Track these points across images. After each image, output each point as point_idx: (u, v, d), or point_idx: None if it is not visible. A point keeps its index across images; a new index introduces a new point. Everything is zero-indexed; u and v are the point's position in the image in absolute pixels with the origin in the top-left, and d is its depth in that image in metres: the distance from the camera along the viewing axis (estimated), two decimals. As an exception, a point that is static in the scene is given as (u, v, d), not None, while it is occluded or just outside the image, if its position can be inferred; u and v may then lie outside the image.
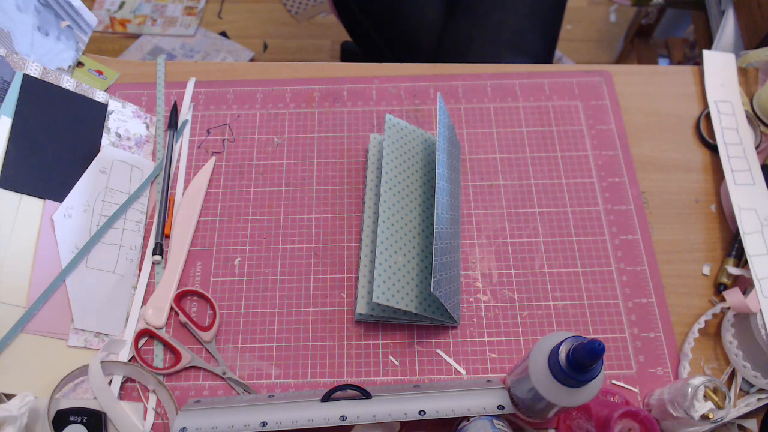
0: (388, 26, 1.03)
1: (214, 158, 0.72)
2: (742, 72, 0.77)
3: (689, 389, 0.52)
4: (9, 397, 0.56)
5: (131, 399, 0.59)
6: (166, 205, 0.67)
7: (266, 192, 0.70)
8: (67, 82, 0.69)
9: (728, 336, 0.61)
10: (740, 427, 0.59)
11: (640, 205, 0.69)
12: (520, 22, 0.95)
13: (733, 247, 0.65)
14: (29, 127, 0.64)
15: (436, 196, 0.59)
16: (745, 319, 0.60)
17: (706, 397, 0.52)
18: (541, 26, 0.98)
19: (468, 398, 0.54)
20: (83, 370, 0.57)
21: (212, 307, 0.63)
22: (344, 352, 0.62)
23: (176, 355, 0.60)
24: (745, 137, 0.71)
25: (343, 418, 0.53)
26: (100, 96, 0.71)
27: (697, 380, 0.52)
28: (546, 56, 1.00)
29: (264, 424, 0.52)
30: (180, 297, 0.64)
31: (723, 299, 0.64)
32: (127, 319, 0.62)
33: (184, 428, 0.53)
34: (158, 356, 0.61)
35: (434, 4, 0.99)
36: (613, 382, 0.60)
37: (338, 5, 1.07)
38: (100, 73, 0.76)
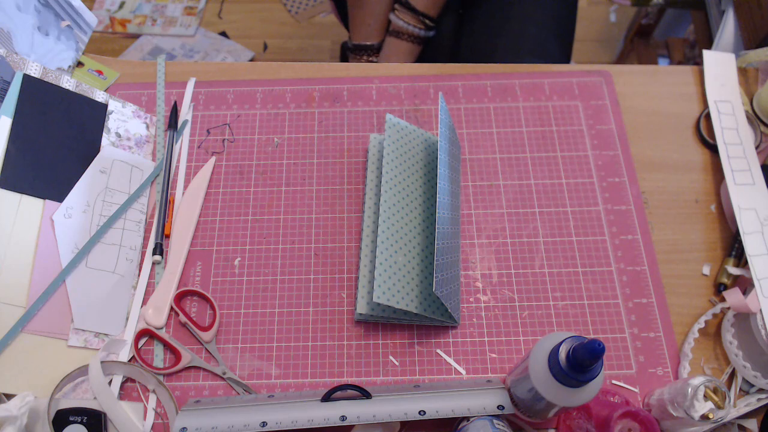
0: None
1: (214, 158, 0.72)
2: (742, 72, 0.77)
3: (689, 389, 0.52)
4: (9, 397, 0.56)
5: (131, 399, 0.59)
6: (166, 205, 0.67)
7: (266, 192, 0.70)
8: (67, 82, 0.69)
9: (728, 336, 0.61)
10: (740, 427, 0.59)
11: (640, 205, 0.69)
12: (540, 30, 0.94)
13: (733, 247, 0.65)
14: (29, 127, 0.64)
15: (437, 196, 0.59)
16: (745, 319, 0.60)
17: (706, 397, 0.52)
18: (559, 33, 0.96)
19: (468, 398, 0.54)
20: (83, 370, 0.57)
21: (212, 307, 0.63)
22: (344, 352, 0.62)
23: (176, 355, 0.60)
24: (745, 137, 0.71)
25: (343, 418, 0.53)
26: (100, 96, 0.71)
27: (697, 380, 0.52)
28: (564, 62, 0.98)
29: (264, 424, 0.52)
30: (180, 297, 0.64)
31: (723, 299, 0.64)
32: (127, 319, 0.62)
33: (184, 428, 0.53)
34: (158, 356, 0.61)
35: (446, 15, 0.98)
36: (613, 382, 0.60)
37: (343, 17, 1.06)
38: (100, 73, 0.75)
